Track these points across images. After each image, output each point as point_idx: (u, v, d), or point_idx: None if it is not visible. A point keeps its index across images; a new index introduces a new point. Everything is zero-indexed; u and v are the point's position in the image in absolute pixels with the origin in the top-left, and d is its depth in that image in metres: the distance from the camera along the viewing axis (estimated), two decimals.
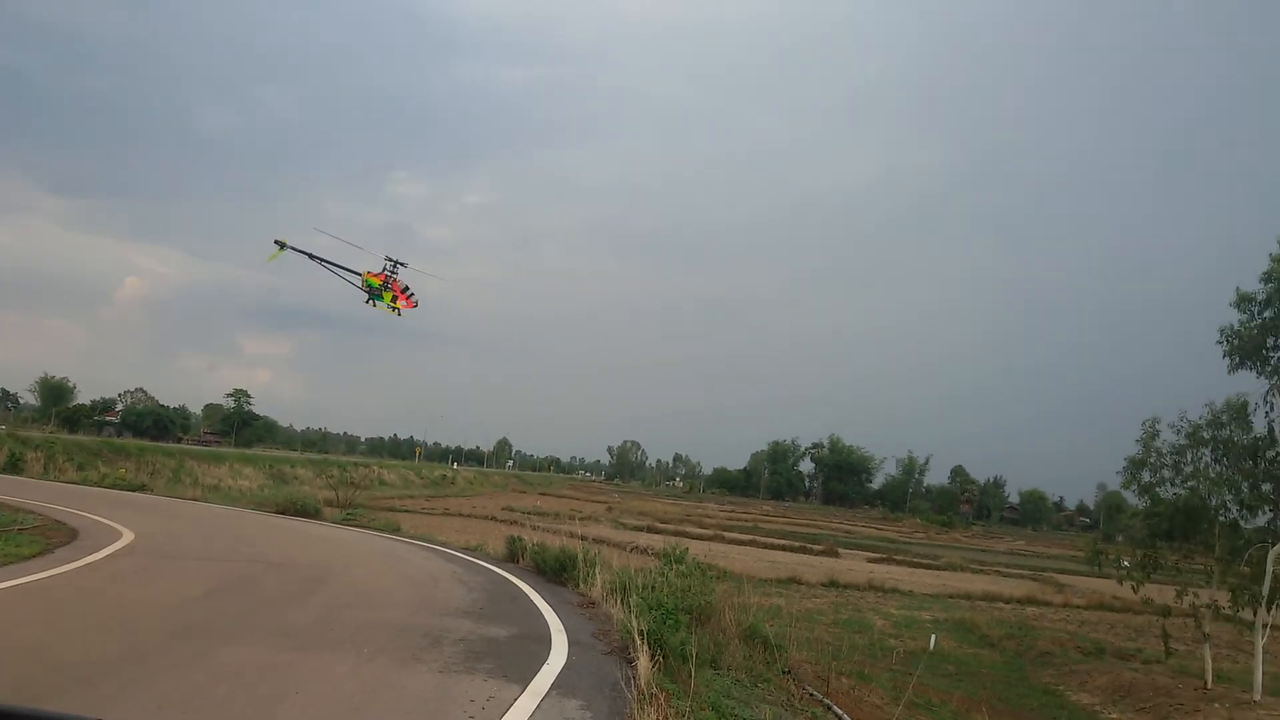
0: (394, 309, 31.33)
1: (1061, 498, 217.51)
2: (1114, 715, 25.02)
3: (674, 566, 15.60)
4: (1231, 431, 26.57)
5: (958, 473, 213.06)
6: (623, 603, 13.15)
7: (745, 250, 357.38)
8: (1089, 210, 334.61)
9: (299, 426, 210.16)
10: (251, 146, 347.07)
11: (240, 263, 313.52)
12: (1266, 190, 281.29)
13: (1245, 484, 26.37)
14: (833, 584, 44.06)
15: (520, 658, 10.15)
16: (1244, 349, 26.16)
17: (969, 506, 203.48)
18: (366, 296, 30.83)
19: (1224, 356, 26.62)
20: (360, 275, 31.17)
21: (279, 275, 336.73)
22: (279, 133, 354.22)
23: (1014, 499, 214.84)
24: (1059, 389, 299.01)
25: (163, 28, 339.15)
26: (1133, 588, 27.69)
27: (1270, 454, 26.00)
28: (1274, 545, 25.43)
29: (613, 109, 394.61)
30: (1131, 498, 30.17)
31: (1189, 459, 27.21)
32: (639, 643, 9.82)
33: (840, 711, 13.14)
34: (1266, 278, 25.99)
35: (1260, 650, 25.86)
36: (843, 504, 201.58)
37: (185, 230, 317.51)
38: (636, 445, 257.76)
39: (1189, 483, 27.15)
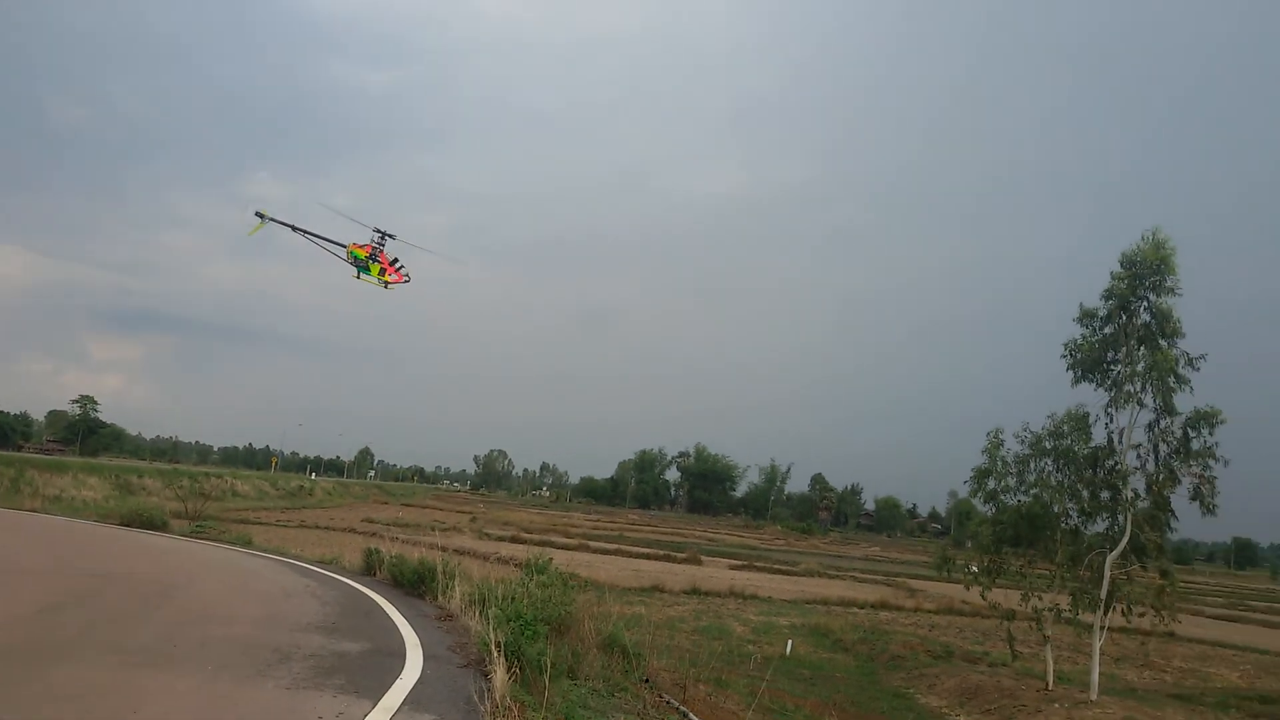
0: (383, 282, 30.28)
1: (915, 505, 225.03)
2: (961, 717, 25.77)
3: (535, 577, 15.35)
4: (1072, 442, 27.73)
5: (818, 481, 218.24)
6: (481, 615, 12.95)
7: (617, 261, 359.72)
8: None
9: (149, 435, 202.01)
10: (102, 141, 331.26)
11: (91, 262, 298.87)
12: (1104, 201, 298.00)
13: (1086, 492, 27.54)
14: (695, 591, 44.32)
15: (373, 673, 9.92)
16: (1085, 363, 27.33)
17: (828, 514, 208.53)
18: (354, 270, 29.69)
19: (1067, 370, 27.74)
20: (345, 247, 30.14)
21: (133, 276, 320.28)
22: (131, 127, 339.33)
23: (870, 506, 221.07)
24: (920, 402, 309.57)
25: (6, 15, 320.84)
26: (980, 593, 28.60)
27: (1109, 463, 27.23)
28: (1112, 551, 26.61)
29: (482, 115, 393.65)
30: (979, 505, 31.20)
31: (1032, 468, 28.30)
32: (495, 655, 9.72)
33: (695, 718, 13.13)
34: (1107, 295, 27.19)
35: (1097, 652, 27.02)
36: (707, 512, 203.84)
37: (30, 227, 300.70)
38: (504, 455, 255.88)
39: (1032, 491, 28.24)
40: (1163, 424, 26.54)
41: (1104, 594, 26.55)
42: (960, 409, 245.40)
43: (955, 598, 46.53)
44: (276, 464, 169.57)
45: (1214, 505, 26.06)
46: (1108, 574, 26.52)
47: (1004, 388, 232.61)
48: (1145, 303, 26.89)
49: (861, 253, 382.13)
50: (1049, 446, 27.99)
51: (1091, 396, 27.47)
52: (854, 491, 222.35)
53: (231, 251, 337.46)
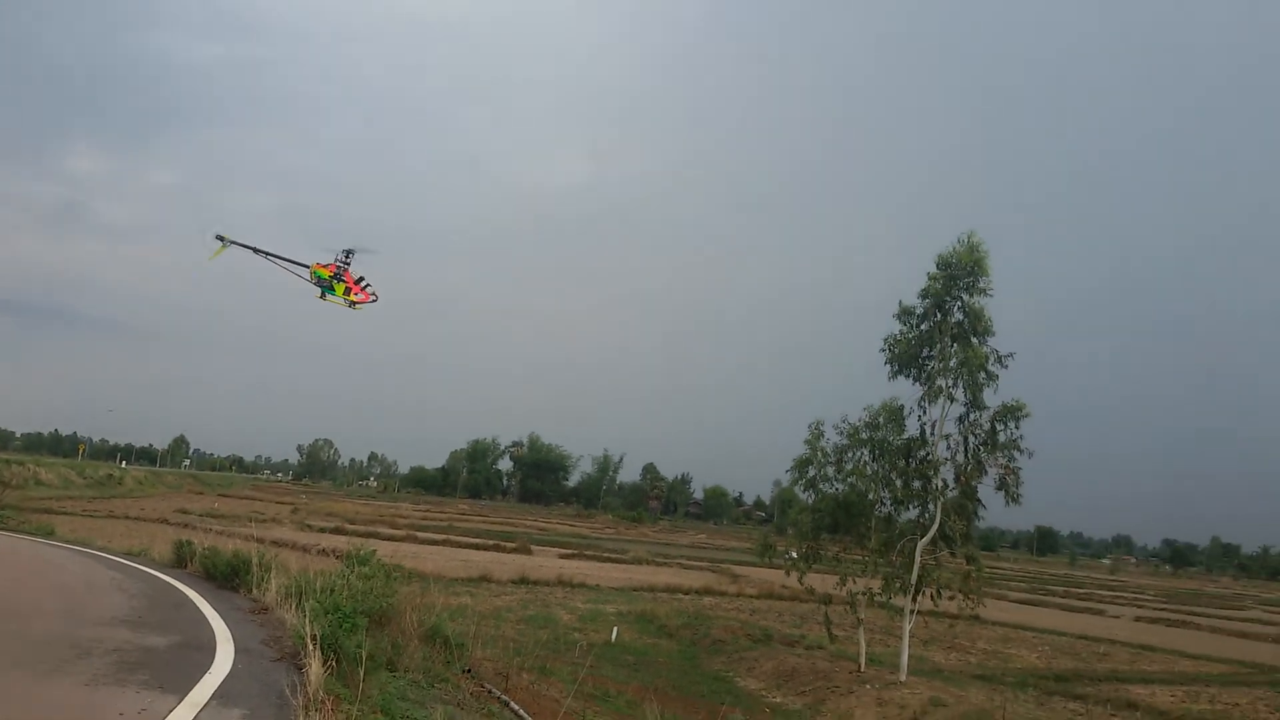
0: (349, 302, 29.44)
1: (741, 494, 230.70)
2: (777, 698, 26.46)
3: (357, 569, 14.93)
4: (887, 433, 28.86)
5: (649, 470, 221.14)
6: (298, 607, 12.60)
7: (452, 248, 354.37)
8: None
9: None
10: None
11: None
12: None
13: (899, 481, 28.74)
14: (523, 581, 44.12)
15: (180, 667, 9.60)
16: (903, 358, 28.47)
17: (658, 502, 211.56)
18: (318, 290, 28.91)
19: (886, 364, 28.83)
20: (308, 267, 29.23)
21: None
22: None
23: (699, 495, 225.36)
24: (750, 393, 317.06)
25: None
26: (798, 578, 29.44)
27: (921, 454, 28.47)
28: (923, 538, 27.83)
29: (321, 94, 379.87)
30: (800, 494, 32.12)
31: (850, 458, 29.31)
32: (311, 648, 9.48)
33: (517, 707, 13.04)
34: (924, 294, 28.37)
35: (907, 634, 28.22)
36: (539, 502, 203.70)
37: None
38: (329, 444, 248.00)
39: (849, 480, 29.27)
40: (972, 417, 27.93)
41: (914, 579, 27.77)
42: (789, 401, 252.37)
43: (776, 583, 47.73)
44: (84, 451, 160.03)
45: (1018, 495, 27.61)
46: (918, 560, 27.72)
47: (833, 381, 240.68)
48: (959, 302, 28.17)
49: (708, 239, 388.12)
50: (866, 437, 29.07)
51: (908, 390, 28.68)
52: (684, 481, 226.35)
53: (43, 227, 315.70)
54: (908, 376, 28.60)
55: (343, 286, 29.29)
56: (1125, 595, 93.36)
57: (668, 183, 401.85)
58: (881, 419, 29.04)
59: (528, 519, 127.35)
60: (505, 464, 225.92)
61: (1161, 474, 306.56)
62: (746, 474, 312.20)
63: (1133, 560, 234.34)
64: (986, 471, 27.79)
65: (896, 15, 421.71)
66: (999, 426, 27.67)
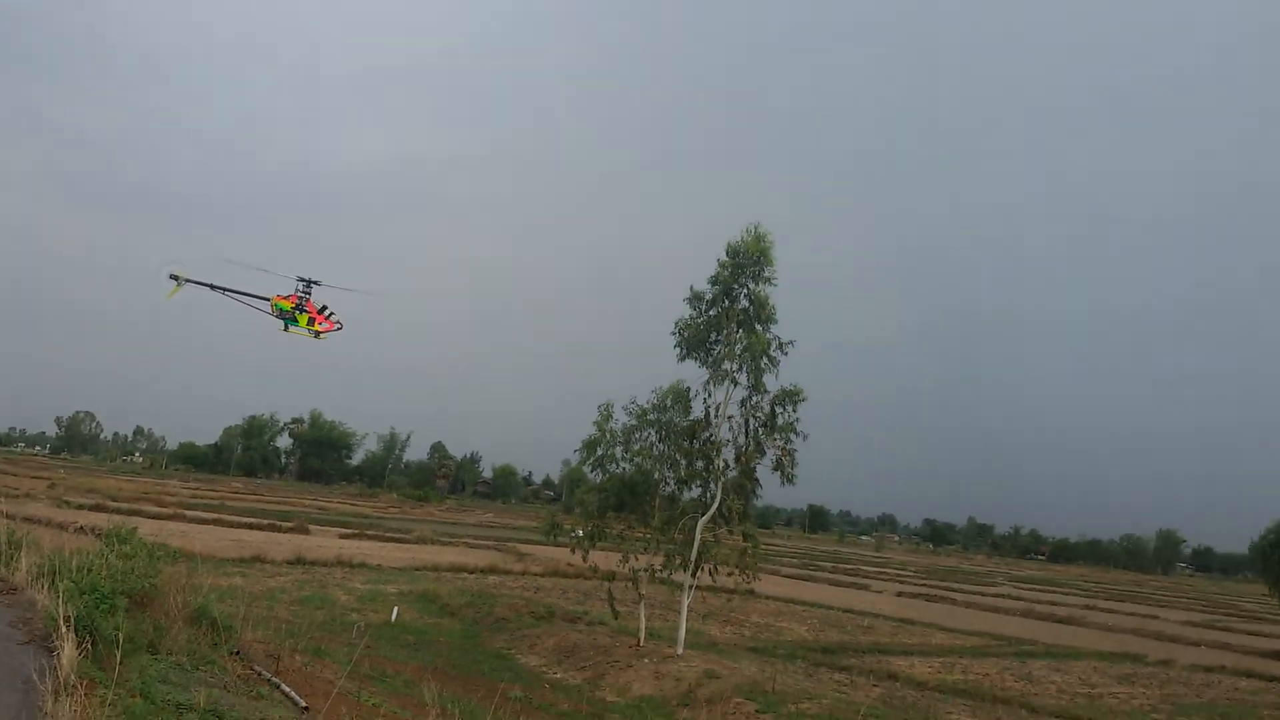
0: (313, 332, 28.50)
1: (531, 473, 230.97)
2: (558, 674, 26.75)
3: (117, 547, 14.14)
4: (674, 415, 29.59)
5: (437, 449, 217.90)
6: (51, 588, 11.82)
7: (231, 214, 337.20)
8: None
9: None
10: None
11: None
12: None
13: (683, 461, 29.50)
14: (300, 561, 42.83)
15: None
16: (692, 341, 29.19)
17: (446, 481, 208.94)
18: (281, 324, 27.83)
19: (675, 347, 29.48)
20: (268, 300, 28.02)
21: None
22: None
23: (488, 474, 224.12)
24: (542, 372, 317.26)
25: None
26: (582, 556, 29.80)
27: (705, 435, 29.32)
28: (704, 516, 28.70)
29: (94, 51, 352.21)
30: (588, 473, 32.50)
31: (637, 439, 29.87)
32: (64, 630, 9.07)
33: (288, 689, 12.74)
34: (714, 280, 29.14)
35: (686, 609, 29.10)
36: (320, 480, 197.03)
37: None
38: (90, 416, 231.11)
39: (636, 460, 29.83)
40: (754, 400, 28.97)
41: (694, 556, 28.63)
42: (584, 381, 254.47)
43: (562, 561, 48.20)
44: None
45: (793, 475, 28.92)
46: (698, 537, 28.59)
47: (629, 362, 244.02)
48: (746, 290, 29.11)
49: (502, 223, 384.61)
50: (653, 419, 29.70)
51: (695, 373, 29.46)
52: (473, 460, 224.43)
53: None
54: (695, 360, 29.36)
55: (306, 317, 28.49)
56: (889, 571, 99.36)
57: (472, 164, 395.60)
58: (669, 401, 29.74)
59: (307, 498, 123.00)
60: (285, 441, 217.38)
61: (923, 459, 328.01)
62: (537, 454, 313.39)
63: (896, 538, 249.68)
64: (765, 453, 28.95)
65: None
66: (778, 410, 28.85)
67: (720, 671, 25.74)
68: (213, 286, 28.68)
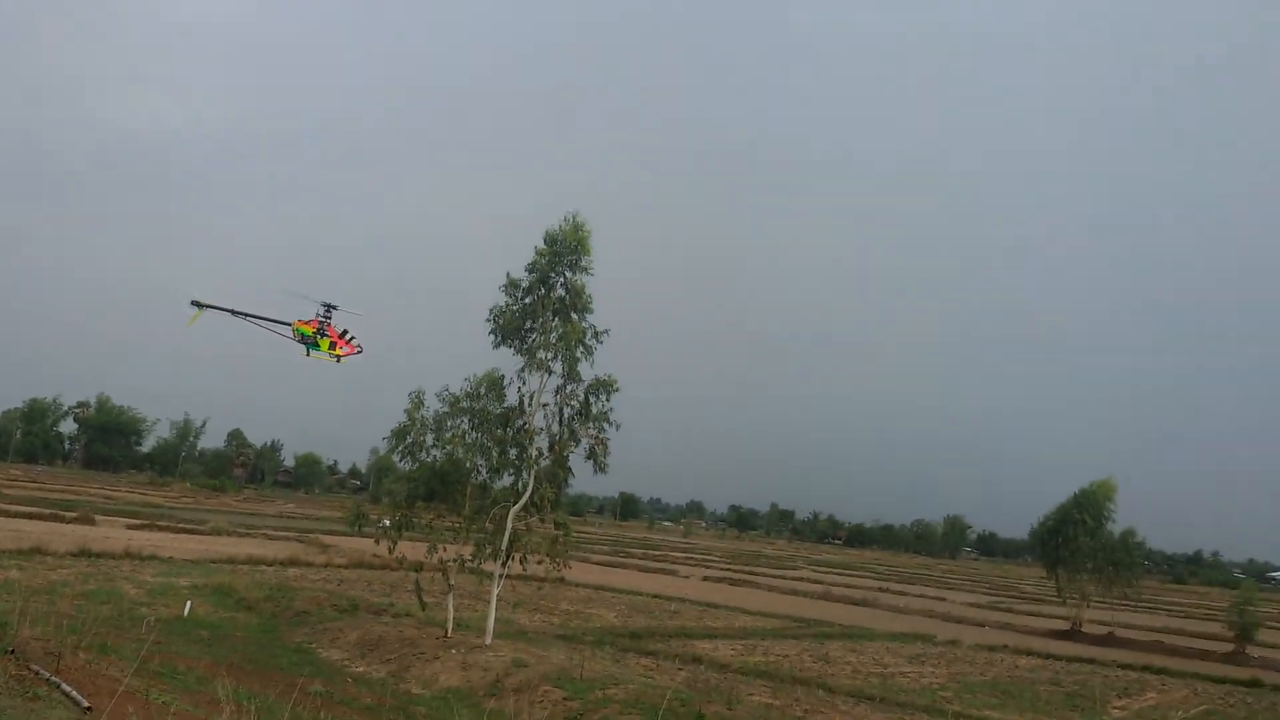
0: (334, 356, 28.54)
1: (336, 461, 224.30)
2: (360, 668, 26.01)
3: None
4: (487, 402, 29.21)
5: (235, 436, 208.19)
6: None
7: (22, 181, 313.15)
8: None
9: None
10: None
11: None
12: None
13: (495, 450, 29.16)
14: (85, 553, 40.44)
15: None
16: (507, 329, 28.86)
17: (244, 470, 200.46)
18: (304, 348, 28.12)
19: (490, 334, 29.09)
20: (290, 325, 28.13)
21: None
22: None
23: (290, 463, 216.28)
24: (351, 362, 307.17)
25: None
26: (389, 547, 29.05)
27: (519, 423, 29.08)
28: (515, 504, 28.47)
29: None
30: (398, 462, 31.78)
31: (449, 426, 29.35)
32: None
33: (69, 688, 12.07)
34: (531, 268, 28.89)
35: (495, 599, 28.83)
36: (107, 468, 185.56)
37: None
38: None
39: (447, 448, 29.30)
40: (569, 389, 28.93)
41: (505, 544, 28.37)
42: (395, 369, 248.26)
43: (367, 552, 46.92)
44: None
45: (605, 464, 29.10)
46: (509, 526, 28.34)
47: (445, 351, 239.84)
48: (563, 278, 29.02)
49: (311, 201, 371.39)
50: (466, 406, 29.22)
51: (510, 361, 29.15)
52: (273, 448, 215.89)
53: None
54: (510, 347, 29.06)
55: (327, 342, 28.53)
56: (696, 556, 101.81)
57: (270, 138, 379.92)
58: (483, 389, 29.32)
59: (93, 486, 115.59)
60: (69, 426, 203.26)
61: (730, 449, 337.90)
62: (343, 443, 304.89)
63: (704, 524, 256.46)
64: (579, 441, 28.99)
65: None
66: (592, 399, 28.93)
67: (529, 660, 25.62)
68: (234, 312, 28.56)
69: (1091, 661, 44.01)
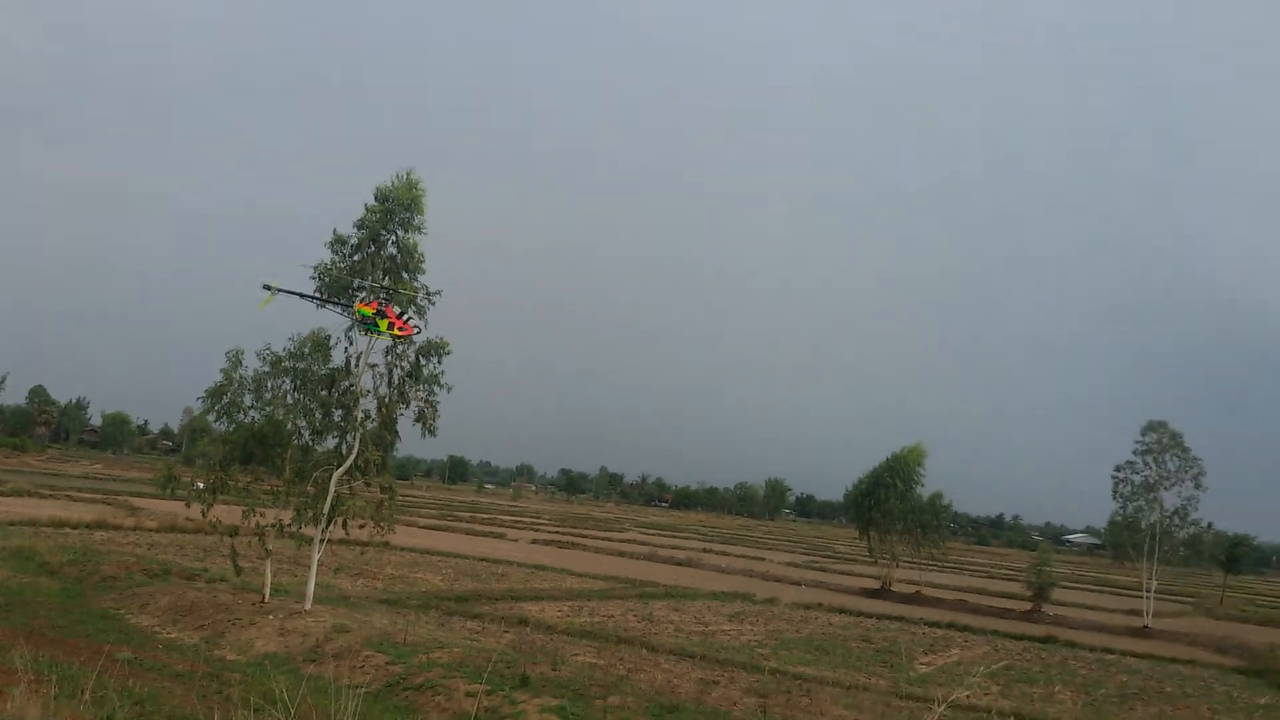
0: (393, 337, 28.84)
1: (146, 421, 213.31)
2: (173, 634, 25.04)
3: None
4: (311, 363, 28.33)
5: (37, 393, 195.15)
6: None
7: None
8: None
9: None
10: None
11: None
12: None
13: (319, 411, 28.35)
14: None
15: None
16: (333, 287, 27.98)
17: (47, 429, 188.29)
18: (363, 329, 28.56)
19: (315, 292, 28.12)
20: (352, 308, 28.45)
21: None
22: None
23: (97, 422, 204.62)
24: (161, 313, 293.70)
25: None
26: (203, 510, 27.95)
27: (345, 384, 28.34)
28: (339, 468, 27.80)
29: None
30: (214, 423, 30.45)
31: (269, 387, 28.34)
32: None
33: None
34: (360, 225, 28.06)
35: (315, 563, 28.16)
36: None
37: None
38: None
39: (267, 409, 28.30)
40: (399, 350, 28.37)
41: (327, 509, 27.70)
42: (216, 324, 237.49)
43: (180, 516, 45.24)
44: None
45: (435, 427, 28.76)
46: (333, 490, 27.69)
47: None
48: (395, 237, 28.35)
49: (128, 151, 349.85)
50: (289, 366, 28.27)
51: (337, 320, 28.31)
52: (79, 406, 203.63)
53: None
54: (337, 306, 28.23)
55: (386, 322, 28.55)
56: (525, 520, 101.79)
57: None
58: (307, 349, 28.41)
59: None
60: None
61: (560, 413, 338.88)
62: (155, 402, 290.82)
63: (533, 488, 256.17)
64: (410, 403, 28.52)
65: None
66: (423, 361, 28.47)
67: (350, 625, 25.21)
68: (301, 294, 28.50)
69: (900, 619, 46.44)
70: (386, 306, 29.39)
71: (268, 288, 28.35)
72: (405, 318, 29.73)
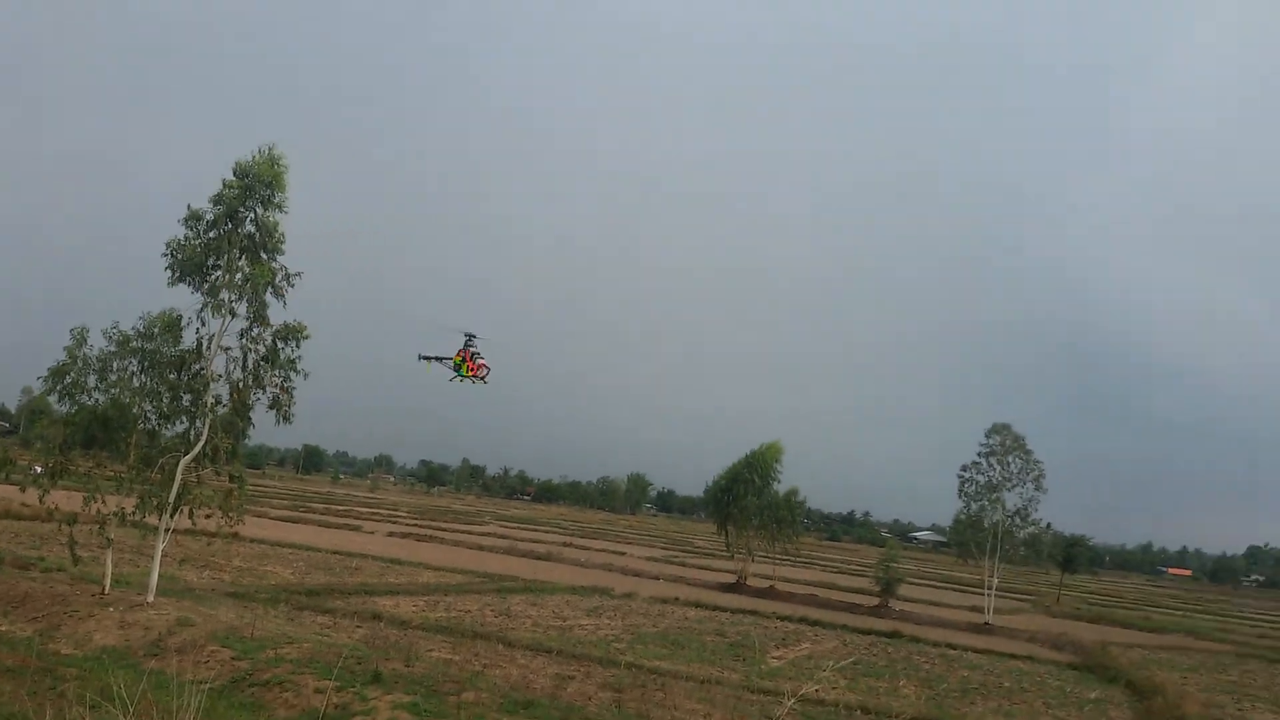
0: (471, 378, 34.23)
1: None
2: (3, 626, 23.73)
3: None
4: (161, 344, 27.16)
5: None
6: None
7: None
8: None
9: None
10: None
11: None
12: None
13: (167, 395, 27.21)
14: None
15: None
16: (187, 265, 26.80)
17: None
18: (454, 375, 34.34)
19: (166, 270, 26.91)
20: (453, 360, 34.65)
21: None
22: None
23: None
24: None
25: None
26: (39, 496, 26.54)
27: (196, 368, 27.26)
28: (187, 455, 26.75)
29: None
30: (55, 404, 28.88)
31: (115, 368, 27.09)
32: None
33: None
34: (217, 200, 26.89)
35: (159, 554, 27.07)
36: None
37: None
38: None
39: (112, 391, 27.03)
40: (255, 333, 27.41)
41: (173, 497, 26.63)
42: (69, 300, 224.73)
43: (14, 501, 42.71)
44: None
45: (290, 414, 27.91)
46: (179, 477, 26.63)
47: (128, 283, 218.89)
48: (253, 214, 27.33)
49: None
50: (137, 347, 27.06)
51: (189, 300, 27.19)
52: None
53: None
54: (190, 285, 27.12)
55: (465, 366, 33.78)
56: (382, 512, 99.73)
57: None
58: (157, 329, 27.22)
59: None
60: None
61: (420, 402, 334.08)
62: None
63: (392, 479, 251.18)
64: (265, 388, 27.61)
65: None
66: (280, 345, 27.59)
67: (195, 619, 24.32)
68: (440, 359, 34.73)
69: (754, 613, 47.36)
70: (465, 350, 34.28)
71: (426, 359, 34.25)
72: (477, 359, 34.70)
